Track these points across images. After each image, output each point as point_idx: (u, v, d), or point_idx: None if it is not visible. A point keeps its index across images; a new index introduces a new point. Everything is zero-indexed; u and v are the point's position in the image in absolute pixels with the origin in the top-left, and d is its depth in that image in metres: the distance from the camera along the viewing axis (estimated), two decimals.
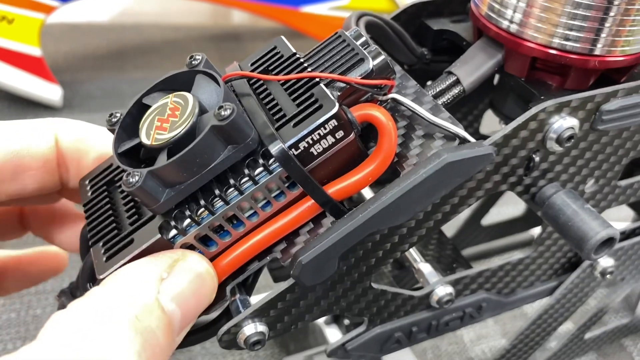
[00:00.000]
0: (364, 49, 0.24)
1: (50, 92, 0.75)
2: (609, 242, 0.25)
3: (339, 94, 0.23)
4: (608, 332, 0.41)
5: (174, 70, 0.24)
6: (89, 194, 0.26)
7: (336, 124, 0.22)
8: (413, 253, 0.30)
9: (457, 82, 0.27)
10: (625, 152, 0.28)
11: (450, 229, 0.54)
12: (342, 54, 0.24)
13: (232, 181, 0.22)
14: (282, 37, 0.26)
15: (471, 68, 0.27)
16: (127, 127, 0.24)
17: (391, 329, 0.28)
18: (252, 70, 0.25)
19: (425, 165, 0.22)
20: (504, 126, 0.25)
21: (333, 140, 0.23)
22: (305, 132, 0.22)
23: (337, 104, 0.22)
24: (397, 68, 0.27)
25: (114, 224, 0.24)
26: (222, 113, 0.21)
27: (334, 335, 0.46)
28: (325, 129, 0.22)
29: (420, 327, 0.29)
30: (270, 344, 0.53)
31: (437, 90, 0.27)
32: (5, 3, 0.68)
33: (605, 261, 0.32)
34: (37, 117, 0.81)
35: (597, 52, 0.26)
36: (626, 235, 0.34)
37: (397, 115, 0.25)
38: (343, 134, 0.23)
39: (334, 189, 0.23)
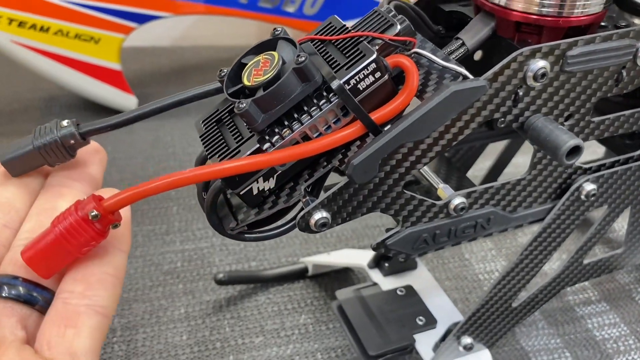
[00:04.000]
0: (394, 18, 0.34)
1: (127, 101, 0.88)
2: (576, 150, 0.34)
3: (377, 48, 0.34)
4: (605, 260, 0.49)
5: (262, 39, 0.35)
6: (203, 129, 0.36)
7: (375, 66, 0.32)
8: (435, 178, 0.40)
9: (463, 44, 0.37)
10: (592, 91, 0.37)
11: None
12: (378, 21, 0.35)
13: (305, 108, 0.33)
14: (335, 15, 0.37)
15: (472, 33, 0.37)
16: (231, 77, 0.34)
17: (419, 230, 0.38)
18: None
19: (438, 94, 0.33)
20: None
21: (373, 79, 0.33)
22: (354, 72, 0.32)
23: (375, 53, 0.32)
24: (419, 35, 0.37)
25: (224, 144, 0.34)
26: (299, 59, 0.32)
27: (376, 276, 0.56)
28: (367, 70, 0.32)
29: (442, 231, 0.39)
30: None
31: (448, 50, 0.37)
32: (93, 26, 0.81)
33: (589, 186, 0.41)
34: None
35: (564, 14, 0.35)
36: (607, 166, 0.42)
37: (419, 65, 0.35)
38: (380, 74, 0.33)
39: (376, 115, 0.34)
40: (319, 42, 0.36)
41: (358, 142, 0.34)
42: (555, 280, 0.47)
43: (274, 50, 0.34)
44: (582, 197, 0.42)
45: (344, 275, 0.65)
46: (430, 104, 0.32)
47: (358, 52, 0.33)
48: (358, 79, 0.33)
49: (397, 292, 0.53)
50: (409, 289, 0.54)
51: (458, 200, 0.38)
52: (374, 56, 0.32)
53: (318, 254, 0.66)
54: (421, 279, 0.56)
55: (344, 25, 0.36)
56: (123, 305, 0.60)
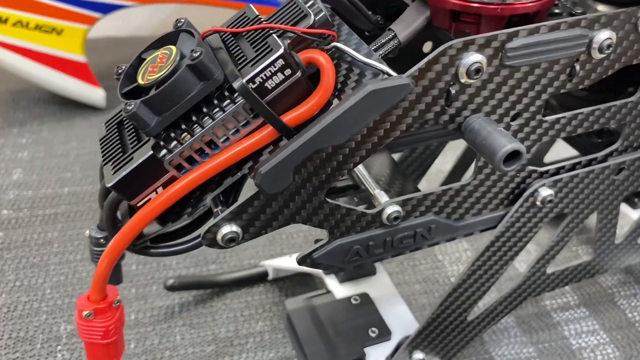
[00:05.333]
0: (310, 8, 0.30)
1: (94, 94, 0.85)
2: (516, 155, 0.30)
3: (288, 42, 0.30)
4: (572, 269, 0.45)
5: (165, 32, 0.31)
6: (104, 132, 0.33)
7: (283, 63, 0.29)
8: (371, 182, 0.36)
9: (395, 36, 0.33)
10: (542, 88, 0.33)
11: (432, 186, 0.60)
12: (292, 12, 0.31)
13: (205, 110, 0.29)
14: (251, 5, 0.33)
15: (405, 24, 0.33)
16: (129, 75, 0.31)
17: (350, 241, 0.34)
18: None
19: (354, 94, 0.29)
20: None
21: (283, 77, 0.29)
22: (259, 68, 0.29)
23: (282, 47, 0.29)
24: (345, 27, 0.33)
25: (120, 149, 0.31)
26: (194, 55, 0.28)
27: (331, 282, 0.52)
28: (274, 67, 0.29)
29: (376, 242, 0.35)
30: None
31: (379, 43, 0.33)
32: (54, 16, 0.78)
33: (545, 191, 0.37)
34: (85, 118, 0.91)
35: (506, 0, 0.31)
36: (566, 169, 0.38)
37: (341, 61, 0.32)
38: (290, 72, 0.29)
39: (287, 117, 0.30)
40: (230, 36, 0.32)
41: (271, 147, 0.31)
42: (515, 292, 0.44)
43: (175, 44, 0.30)
44: (538, 203, 0.38)
45: (307, 279, 0.62)
46: (345, 105, 0.29)
47: (266, 46, 0.29)
48: (264, 77, 0.29)
49: (351, 301, 0.50)
50: (365, 297, 0.50)
51: (392, 209, 0.34)
52: (281, 51, 0.29)
53: (281, 257, 0.62)
54: (380, 286, 0.52)
55: (258, 16, 0.32)
56: (72, 311, 0.57)
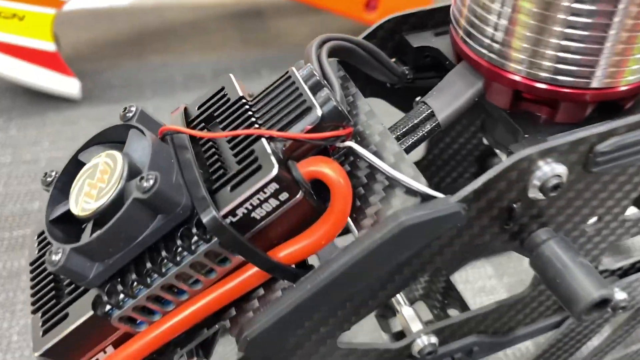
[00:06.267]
0: (314, 94, 0.21)
1: (68, 85, 0.75)
2: (603, 303, 0.22)
3: (284, 148, 0.21)
4: (631, 354, 0.37)
5: (110, 124, 0.22)
6: (36, 252, 0.24)
7: (277, 187, 0.20)
8: (397, 295, 0.28)
9: (432, 115, 0.24)
10: (632, 187, 0.24)
11: None
12: (289, 100, 0.21)
13: (164, 253, 0.20)
14: (231, 75, 0.23)
15: (448, 98, 0.24)
16: (63, 186, 0.22)
17: None
18: (199, 114, 0.23)
19: (380, 229, 0.20)
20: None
21: (277, 203, 0.20)
22: (241, 199, 0.20)
23: (276, 167, 0.19)
24: (361, 102, 0.24)
25: (53, 292, 0.22)
26: (144, 185, 0.19)
27: None
28: (265, 192, 0.20)
29: None
30: None
31: (410, 124, 0.24)
32: (14, 0, 0.67)
33: (619, 295, 0.29)
34: (58, 112, 0.80)
35: (594, 85, 0.22)
36: None
37: (359, 160, 0.22)
38: (288, 195, 0.20)
39: (283, 253, 0.21)
40: (201, 121, 0.23)
41: (263, 291, 0.22)
42: None
43: (123, 144, 0.21)
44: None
45: None
46: (368, 246, 0.20)
47: (252, 159, 0.20)
48: (251, 207, 0.20)
49: None
50: None
51: (425, 342, 0.26)
52: (274, 173, 0.19)
53: None
54: None
55: (241, 97, 0.22)
56: None
